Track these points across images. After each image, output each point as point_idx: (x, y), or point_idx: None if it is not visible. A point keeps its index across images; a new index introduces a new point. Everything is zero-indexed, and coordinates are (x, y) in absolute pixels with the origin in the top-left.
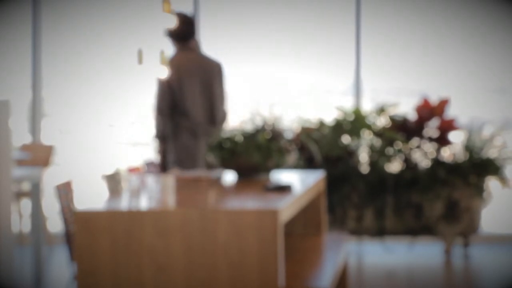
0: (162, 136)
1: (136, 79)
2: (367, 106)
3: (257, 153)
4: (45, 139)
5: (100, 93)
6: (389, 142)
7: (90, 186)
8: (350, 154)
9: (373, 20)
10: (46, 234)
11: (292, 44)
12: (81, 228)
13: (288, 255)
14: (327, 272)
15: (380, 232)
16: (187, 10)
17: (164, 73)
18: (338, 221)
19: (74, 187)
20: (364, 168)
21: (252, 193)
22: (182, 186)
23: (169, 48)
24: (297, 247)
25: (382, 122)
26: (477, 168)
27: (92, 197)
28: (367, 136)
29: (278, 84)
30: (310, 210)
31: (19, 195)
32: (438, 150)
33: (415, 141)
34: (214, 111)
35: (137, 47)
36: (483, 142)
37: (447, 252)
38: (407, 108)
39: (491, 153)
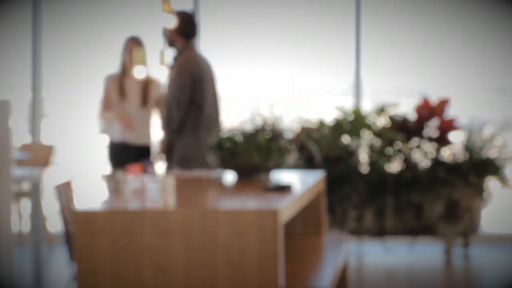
0: (176, 130)
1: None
2: (367, 106)
3: (257, 153)
4: (45, 139)
5: (100, 93)
6: (389, 142)
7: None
8: (350, 154)
9: (373, 20)
10: (46, 234)
11: (292, 44)
12: (81, 228)
13: (288, 255)
14: (327, 272)
15: (380, 232)
16: (187, 10)
17: (184, 68)
18: (338, 221)
19: (74, 187)
20: (364, 168)
21: (252, 193)
22: (182, 186)
23: (170, 48)
24: (297, 247)
25: (382, 122)
26: (477, 168)
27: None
28: (367, 136)
29: (278, 84)
30: (310, 210)
31: (19, 195)
32: (438, 150)
33: (415, 141)
34: (219, 109)
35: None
36: (483, 142)
37: (447, 252)
38: (407, 108)
39: (491, 153)
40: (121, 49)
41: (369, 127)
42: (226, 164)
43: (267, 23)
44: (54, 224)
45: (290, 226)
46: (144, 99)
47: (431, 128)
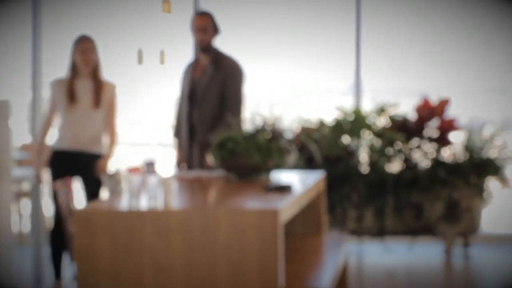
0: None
1: (136, 79)
2: (367, 106)
3: (257, 153)
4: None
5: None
6: (389, 142)
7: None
8: (350, 154)
9: (373, 20)
10: (46, 234)
11: (292, 44)
12: (81, 228)
13: (288, 255)
14: (327, 272)
15: (380, 232)
16: (187, 10)
17: (241, 72)
18: (338, 221)
19: (74, 187)
20: (364, 168)
21: (252, 193)
22: (183, 186)
23: (170, 48)
24: (297, 247)
25: (382, 122)
26: (477, 168)
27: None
28: (367, 136)
29: (278, 84)
30: (310, 210)
31: (19, 195)
32: (438, 150)
33: (415, 141)
34: None
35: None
36: (483, 142)
37: (447, 252)
38: (407, 108)
39: (491, 153)
40: (71, 49)
41: (369, 127)
42: (226, 164)
43: (267, 23)
44: None
45: (290, 226)
46: (97, 102)
47: (431, 128)
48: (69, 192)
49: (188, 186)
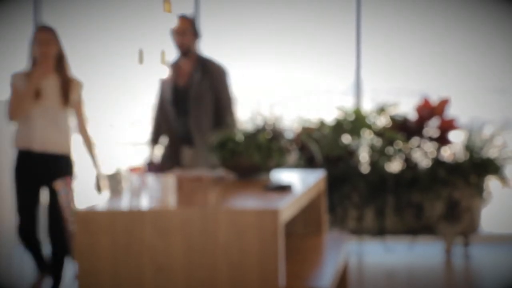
0: None
1: (137, 79)
2: (368, 106)
3: (257, 153)
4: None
5: (100, 93)
6: (390, 142)
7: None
8: (350, 154)
9: (373, 20)
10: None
11: (292, 44)
12: (82, 228)
13: (289, 255)
14: (328, 271)
15: (380, 231)
16: (187, 10)
17: (227, 74)
18: (338, 221)
19: (75, 186)
20: (365, 168)
21: (253, 193)
22: (183, 185)
23: (170, 48)
24: (297, 247)
25: (382, 122)
26: (477, 168)
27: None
28: (367, 136)
29: (279, 84)
30: (310, 210)
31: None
32: (438, 150)
33: (415, 141)
34: None
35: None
36: (483, 142)
37: (448, 252)
38: (407, 108)
39: (491, 153)
40: (30, 41)
41: (369, 127)
42: (226, 164)
43: (267, 23)
44: None
45: (291, 225)
46: (65, 100)
47: (432, 128)
48: (69, 191)
49: (188, 185)
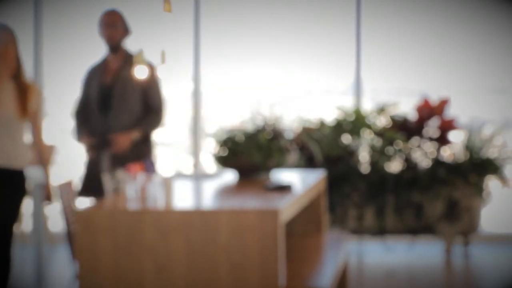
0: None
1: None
2: (368, 106)
3: (257, 153)
4: (46, 139)
5: None
6: (390, 142)
7: None
8: (350, 153)
9: (373, 20)
10: (47, 234)
11: (292, 44)
12: (83, 228)
13: (289, 255)
14: (328, 271)
15: (380, 231)
16: (187, 10)
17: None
18: (338, 221)
19: (75, 186)
20: (365, 168)
21: (253, 193)
22: (184, 186)
23: (170, 48)
24: (297, 246)
25: (382, 122)
26: (477, 167)
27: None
28: (367, 136)
29: (279, 84)
30: (310, 210)
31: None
32: (438, 150)
33: (415, 140)
34: None
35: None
36: (483, 142)
37: (447, 251)
38: (407, 108)
39: (491, 152)
40: None
41: (369, 127)
42: (227, 163)
43: (267, 23)
44: (56, 223)
45: (291, 225)
46: (23, 109)
47: (432, 128)
48: (70, 192)
49: (190, 186)
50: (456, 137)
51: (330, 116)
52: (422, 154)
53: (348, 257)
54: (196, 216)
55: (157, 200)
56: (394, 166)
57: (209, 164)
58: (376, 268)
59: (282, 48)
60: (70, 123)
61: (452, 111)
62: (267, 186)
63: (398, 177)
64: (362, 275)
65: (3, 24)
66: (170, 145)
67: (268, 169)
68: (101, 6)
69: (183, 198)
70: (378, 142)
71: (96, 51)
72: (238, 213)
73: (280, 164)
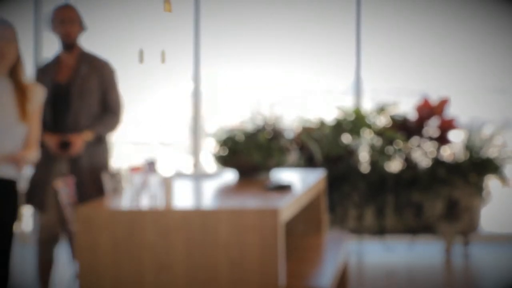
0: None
1: (137, 79)
2: (368, 106)
3: (257, 153)
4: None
5: None
6: (389, 142)
7: None
8: (350, 153)
9: (373, 20)
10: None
11: (292, 44)
12: (83, 227)
13: (289, 254)
14: (328, 271)
15: (380, 231)
16: (187, 10)
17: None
18: (338, 220)
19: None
20: (365, 167)
21: (253, 192)
22: (183, 185)
23: (170, 48)
24: (297, 246)
25: (382, 121)
26: (477, 167)
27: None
28: (367, 136)
29: (279, 84)
30: (310, 209)
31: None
32: (438, 150)
33: (415, 140)
34: None
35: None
36: (483, 142)
37: (447, 251)
38: (407, 108)
39: (491, 152)
40: None
41: (369, 126)
42: (227, 163)
43: (267, 23)
44: None
45: (291, 225)
46: (23, 112)
47: (431, 127)
48: (70, 190)
49: (190, 185)
50: (456, 136)
51: (330, 116)
52: (422, 153)
53: (348, 257)
54: (196, 216)
55: (157, 200)
56: (394, 165)
57: (209, 164)
58: (376, 268)
59: (282, 48)
60: None
61: (452, 111)
62: (267, 185)
63: (398, 176)
64: (362, 275)
65: (5, 20)
66: (170, 145)
67: (268, 168)
68: (101, 6)
69: (183, 198)
70: (378, 141)
71: (96, 51)
72: (238, 212)
73: (280, 164)
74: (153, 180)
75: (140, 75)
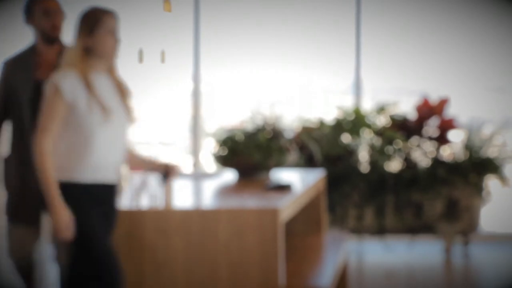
0: None
1: (137, 79)
2: (367, 106)
3: (257, 152)
4: None
5: None
6: (389, 141)
7: None
8: (350, 153)
9: (373, 20)
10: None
11: (292, 44)
12: None
13: (289, 254)
14: (328, 270)
15: (380, 230)
16: (187, 10)
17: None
18: (338, 220)
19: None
20: (364, 167)
21: (253, 192)
22: (183, 185)
23: (170, 48)
24: (297, 246)
25: (382, 121)
26: (477, 167)
27: None
28: (367, 135)
29: (279, 83)
30: (310, 209)
31: None
32: (438, 149)
33: (415, 140)
34: None
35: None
36: (483, 141)
37: (447, 251)
38: (407, 108)
39: (491, 152)
40: None
41: (369, 126)
42: (227, 163)
43: (267, 23)
44: None
45: (291, 225)
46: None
47: (431, 127)
48: None
49: (189, 185)
50: (455, 136)
51: (330, 116)
52: (422, 153)
53: (348, 256)
54: (196, 216)
55: (157, 200)
56: (394, 165)
57: (209, 164)
58: (376, 267)
59: (282, 48)
60: None
61: (452, 111)
62: (267, 185)
63: (397, 176)
64: (362, 275)
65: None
66: (170, 144)
67: (268, 168)
68: (101, 5)
69: (183, 198)
70: (378, 141)
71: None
72: (238, 212)
73: (280, 164)
74: (153, 180)
75: (140, 75)
